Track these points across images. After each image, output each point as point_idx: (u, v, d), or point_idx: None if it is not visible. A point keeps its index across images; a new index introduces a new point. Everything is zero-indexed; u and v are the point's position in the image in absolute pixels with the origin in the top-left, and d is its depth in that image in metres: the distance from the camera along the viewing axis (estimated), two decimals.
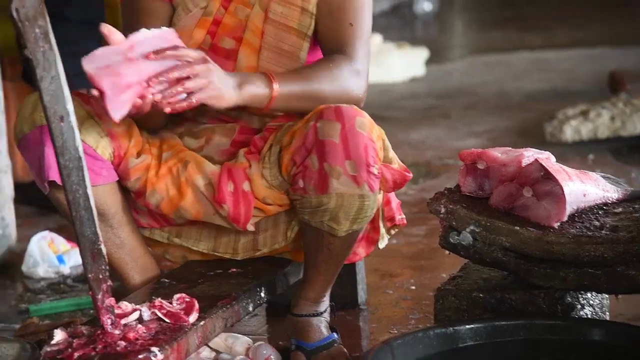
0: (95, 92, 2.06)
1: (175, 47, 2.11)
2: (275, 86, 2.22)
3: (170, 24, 2.36)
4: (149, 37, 2.10)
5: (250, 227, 2.33)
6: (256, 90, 2.21)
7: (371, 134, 2.22)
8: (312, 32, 2.35)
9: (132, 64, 2.08)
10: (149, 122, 2.34)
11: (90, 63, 2.07)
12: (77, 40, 3.48)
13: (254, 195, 2.30)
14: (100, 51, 2.09)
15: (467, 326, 2.17)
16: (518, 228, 2.26)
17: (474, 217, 2.29)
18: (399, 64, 5.71)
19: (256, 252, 2.40)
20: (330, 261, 2.31)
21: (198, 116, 2.39)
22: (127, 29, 2.35)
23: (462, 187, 2.39)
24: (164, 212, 2.34)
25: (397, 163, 2.32)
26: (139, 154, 2.33)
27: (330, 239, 2.27)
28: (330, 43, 2.34)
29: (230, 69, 2.32)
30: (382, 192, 2.31)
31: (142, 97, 2.09)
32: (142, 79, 2.09)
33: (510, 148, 2.40)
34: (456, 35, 7.77)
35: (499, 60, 6.18)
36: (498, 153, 2.36)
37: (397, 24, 7.79)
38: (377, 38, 5.96)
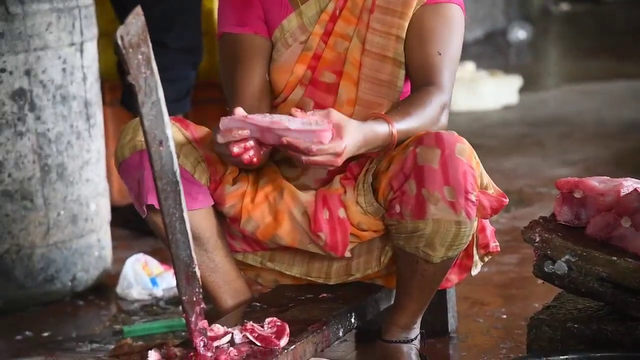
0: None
1: (309, 149, 2.08)
2: (394, 138, 2.19)
3: (270, 59, 2.38)
4: (296, 129, 2.09)
5: (348, 254, 2.33)
6: (374, 151, 2.21)
7: (471, 160, 2.21)
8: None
9: (263, 139, 2.12)
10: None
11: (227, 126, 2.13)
12: (175, 67, 3.54)
13: (349, 222, 2.30)
14: (238, 121, 2.11)
15: (561, 357, 2.14)
16: (616, 258, 2.22)
17: (570, 247, 2.25)
18: (491, 92, 5.67)
19: (349, 277, 2.40)
20: (424, 288, 2.30)
21: None
22: (225, 65, 2.38)
23: (558, 215, 2.35)
24: (259, 239, 2.36)
25: (492, 189, 2.31)
26: (235, 181, 2.35)
27: (425, 265, 2.26)
28: (418, 71, 2.32)
29: (330, 103, 2.33)
30: (477, 218, 2.30)
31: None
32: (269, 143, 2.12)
33: (608, 177, 2.36)
34: (550, 64, 7.67)
35: (595, 88, 6.09)
36: (596, 182, 2.33)
37: (490, 51, 7.74)
38: (470, 66, 5.94)
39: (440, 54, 2.30)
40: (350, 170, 2.35)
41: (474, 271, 2.43)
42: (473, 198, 2.21)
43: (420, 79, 2.31)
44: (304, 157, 2.10)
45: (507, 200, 2.31)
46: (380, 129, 2.19)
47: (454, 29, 2.33)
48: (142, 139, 2.24)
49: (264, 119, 2.12)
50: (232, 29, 2.38)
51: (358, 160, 2.35)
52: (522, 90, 5.83)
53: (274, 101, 2.40)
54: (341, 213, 2.30)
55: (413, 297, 2.32)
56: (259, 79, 2.34)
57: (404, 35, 2.33)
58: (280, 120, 2.11)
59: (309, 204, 2.32)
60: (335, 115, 2.12)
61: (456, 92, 6.15)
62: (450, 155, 2.19)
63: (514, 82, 5.78)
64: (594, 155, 4.56)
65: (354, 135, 2.13)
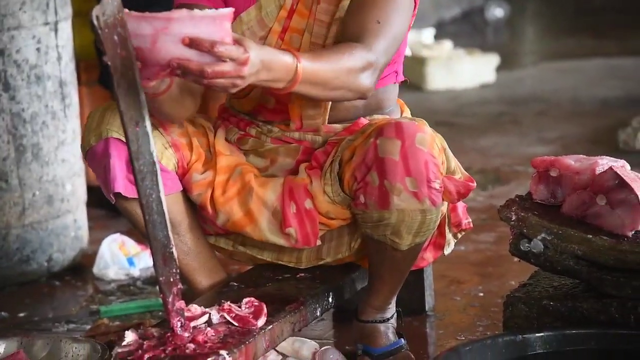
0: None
1: (213, 43, 1.90)
2: (299, 74, 2.07)
3: None
4: (192, 19, 1.90)
5: (318, 242, 2.33)
6: (276, 85, 2.07)
7: (432, 149, 2.19)
8: None
9: (155, 50, 1.91)
10: (175, 110, 2.24)
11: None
12: None
13: (317, 211, 2.30)
14: (132, 18, 1.91)
15: (537, 334, 2.15)
16: (591, 236, 2.23)
17: (546, 225, 2.26)
18: (469, 70, 5.68)
19: (320, 262, 2.40)
20: (394, 272, 2.31)
21: (262, 135, 2.39)
22: None
23: (534, 194, 2.36)
24: (230, 230, 2.36)
25: (460, 173, 2.30)
26: (204, 169, 2.34)
27: (393, 252, 2.26)
28: (351, 33, 2.22)
29: (288, 98, 2.29)
30: (445, 203, 2.29)
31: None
32: (165, 60, 1.92)
33: (584, 156, 2.38)
34: (528, 42, 7.69)
35: (572, 66, 6.11)
36: (571, 160, 2.34)
37: (468, 30, 7.74)
38: (448, 44, 5.94)
39: (379, 22, 2.21)
40: (315, 159, 2.34)
41: (447, 250, 2.44)
42: (437, 186, 2.20)
43: (351, 39, 2.20)
44: (207, 68, 1.93)
45: (474, 185, 2.30)
46: (284, 58, 2.07)
47: (399, 5, 2.24)
48: (108, 127, 2.24)
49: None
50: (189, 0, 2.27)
51: (324, 147, 2.34)
52: (500, 68, 5.84)
53: (236, 95, 2.37)
54: (307, 204, 2.30)
55: (384, 280, 2.32)
56: None
57: (343, 13, 2.27)
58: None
59: (277, 202, 2.31)
60: (235, 35, 1.99)
61: (434, 71, 6.17)
62: (410, 146, 2.17)
63: (492, 61, 5.79)
64: (570, 133, 4.58)
65: (255, 51, 1.99)
